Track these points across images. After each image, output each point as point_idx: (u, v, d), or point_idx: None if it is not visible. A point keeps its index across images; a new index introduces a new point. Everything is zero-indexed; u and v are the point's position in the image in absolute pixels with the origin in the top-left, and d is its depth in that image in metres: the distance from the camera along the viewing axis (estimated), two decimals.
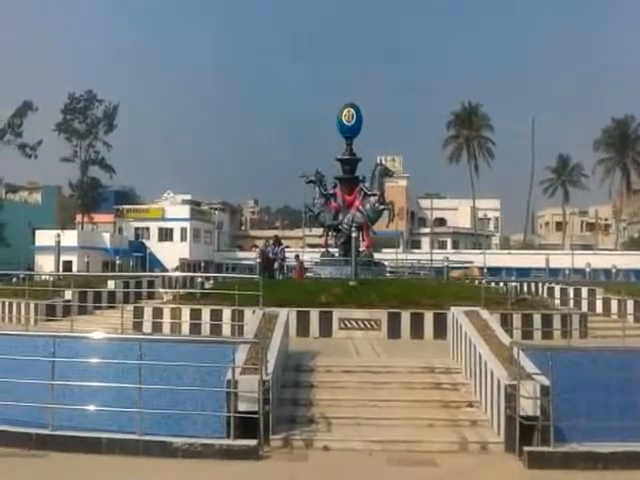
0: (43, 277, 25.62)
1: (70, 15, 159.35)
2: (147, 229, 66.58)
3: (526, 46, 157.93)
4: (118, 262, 38.63)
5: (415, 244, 70.41)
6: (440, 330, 14.12)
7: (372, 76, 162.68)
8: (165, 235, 66.09)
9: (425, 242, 70.36)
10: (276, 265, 25.38)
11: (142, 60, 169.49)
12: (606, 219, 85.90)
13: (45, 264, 42.89)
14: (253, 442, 8.49)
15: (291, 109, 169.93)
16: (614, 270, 29.16)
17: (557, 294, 21.39)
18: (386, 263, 28.07)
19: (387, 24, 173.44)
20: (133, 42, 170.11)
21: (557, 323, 15.38)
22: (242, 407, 8.67)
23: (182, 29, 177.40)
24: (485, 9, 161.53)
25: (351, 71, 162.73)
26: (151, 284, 22.07)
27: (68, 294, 18.54)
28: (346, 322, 15.26)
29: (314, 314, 15.28)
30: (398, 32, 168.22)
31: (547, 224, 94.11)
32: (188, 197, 73.09)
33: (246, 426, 8.63)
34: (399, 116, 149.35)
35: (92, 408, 8.84)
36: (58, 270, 30.95)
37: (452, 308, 12.57)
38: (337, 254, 24.42)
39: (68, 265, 45.09)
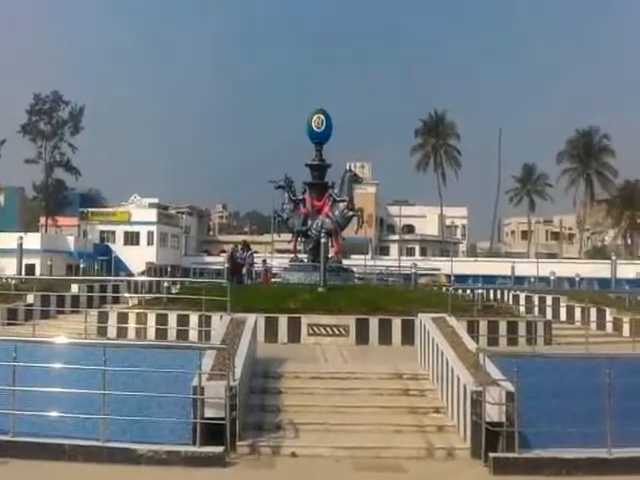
0: (4, 280, 25.01)
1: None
2: (113, 232, 65.66)
3: (495, 58, 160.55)
4: (82, 266, 37.94)
5: (384, 251, 70.88)
6: (408, 336, 14.19)
7: (342, 81, 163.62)
8: (131, 239, 65.25)
9: (394, 249, 70.89)
10: (244, 270, 25.27)
11: (105, 59, 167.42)
12: (570, 228, 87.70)
13: (7, 267, 41.91)
14: (219, 449, 8.40)
15: (260, 113, 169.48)
16: (578, 278, 29.63)
17: (522, 301, 21.69)
18: (355, 269, 28.14)
19: (357, 29, 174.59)
20: (104, 38, 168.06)
21: (522, 330, 15.59)
22: (209, 413, 8.58)
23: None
24: (454, 15, 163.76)
25: (321, 76, 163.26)
26: (116, 288, 21.72)
27: (30, 298, 18.10)
28: (315, 328, 15.23)
29: (282, 320, 15.22)
30: (367, 37, 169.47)
31: (513, 232, 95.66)
32: (155, 201, 72.31)
33: (212, 433, 8.53)
34: (368, 123, 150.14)
35: (55, 414, 8.64)
36: (20, 273, 30.27)
37: (420, 315, 12.65)
38: (306, 260, 24.38)
39: (31, 269, 44.06)
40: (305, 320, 15.28)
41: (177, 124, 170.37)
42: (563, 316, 19.66)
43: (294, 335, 15.14)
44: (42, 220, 64.97)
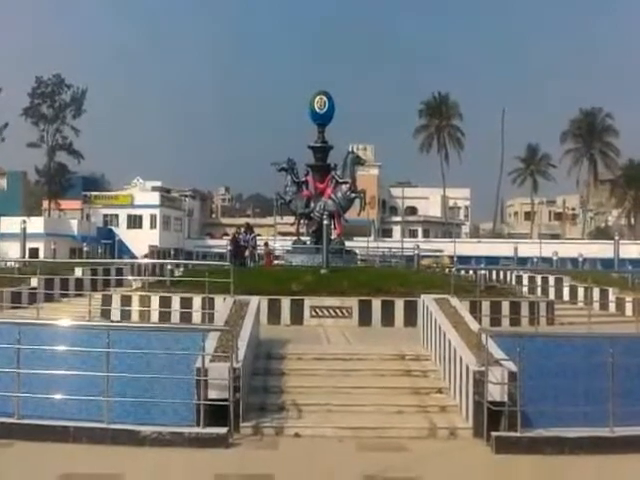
0: (8, 264, 25.08)
1: None
2: (116, 216, 65.60)
3: (500, 40, 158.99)
4: (86, 249, 37.99)
5: (386, 232, 70.74)
6: (410, 317, 14.22)
7: (345, 64, 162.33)
8: (134, 222, 65.21)
9: (396, 230, 70.76)
10: (247, 253, 25.28)
11: (112, 42, 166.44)
12: (573, 209, 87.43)
13: (10, 251, 42.00)
14: (223, 430, 8.45)
15: (263, 96, 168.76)
16: (581, 259, 29.60)
17: (525, 282, 21.71)
18: (357, 251, 28.15)
19: (360, 15, 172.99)
20: (105, 27, 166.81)
21: (525, 310, 15.60)
22: (212, 395, 8.61)
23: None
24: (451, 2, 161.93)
25: (324, 59, 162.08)
26: (120, 271, 21.81)
27: (34, 281, 18.15)
28: (317, 310, 15.27)
29: (285, 302, 15.25)
30: (367, 23, 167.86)
31: (516, 213, 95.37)
32: (158, 184, 72.18)
33: (216, 414, 8.58)
34: (371, 104, 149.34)
35: (59, 396, 8.70)
36: (24, 257, 30.33)
37: (422, 296, 12.65)
38: (309, 242, 24.39)
39: (34, 252, 44.19)
40: (308, 302, 15.30)
41: (180, 107, 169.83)
42: (566, 296, 19.69)
43: (297, 317, 15.18)
44: (45, 204, 64.88)
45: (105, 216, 65.96)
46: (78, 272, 20.12)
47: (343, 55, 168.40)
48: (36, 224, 48.77)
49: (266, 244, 28.54)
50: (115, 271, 21.64)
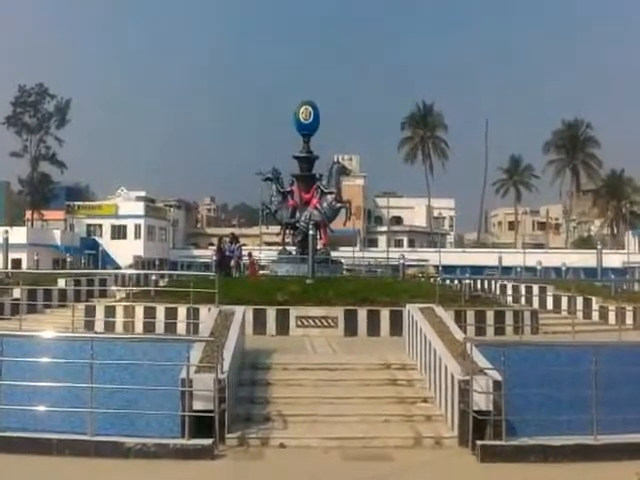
0: None
1: None
2: (100, 226, 65.16)
3: (482, 51, 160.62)
4: (69, 259, 37.72)
5: (372, 242, 70.93)
6: (396, 327, 14.23)
7: (329, 74, 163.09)
8: (118, 232, 64.81)
9: (382, 240, 70.96)
10: (233, 263, 25.20)
11: (95, 52, 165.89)
12: (556, 219, 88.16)
13: None
14: (208, 441, 8.40)
15: (249, 105, 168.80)
16: (564, 268, 29.90)
17: (509, 291, 21.83)
18: (343, 261, 28.16)
19: (344, 23, 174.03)
20: (93, 36, 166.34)
21: (509, 319, 15.68)
22: (197, 406, 8.57)
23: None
24: (436, 9, 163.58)
25: (309, 69, 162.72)
26: (103, 282, 21.61)
27: (17, 292, 17.96)
28: (303, 320, 15.24)
29: (271, 312, 15.21)
30: (354, 31, 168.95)
31: (500, 223, 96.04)
32: (142, 194, 71.85)
33: (201, 425, 8.53)
34: (356, 114, 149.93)
35: (42, 408, 8.60)
36: (6, 268, 30.02)
37: (408, 305, 12.69)
38: (294, 252, 24.37)
39: (17, 263, 43.71)
40: (293, 312, 15.27)
41: (165, 117, 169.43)
42: (550, 305, 19.82)
43: (282, 327, 15.13)
44: (28, 214, 64.34)
45: (89, 226, 65.49)
46: (61, 283, 19.92)
47: (327, 65, 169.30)
48: (19, 234, 48.30)
49: (250, 254, 28.50)
50: (99, 281, 21.46)
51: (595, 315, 18.60)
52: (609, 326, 17.03)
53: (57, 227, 62.37)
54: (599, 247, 32.78)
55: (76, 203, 66.85)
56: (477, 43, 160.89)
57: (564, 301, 19.12)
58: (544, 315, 17.74)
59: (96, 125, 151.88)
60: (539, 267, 28.43)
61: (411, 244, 70.90)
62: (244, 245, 29.49)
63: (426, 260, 49.62)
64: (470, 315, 15.04)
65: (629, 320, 17.60)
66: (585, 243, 70.11)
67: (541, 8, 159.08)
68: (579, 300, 18.57)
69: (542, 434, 8.51)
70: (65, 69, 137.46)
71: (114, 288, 20.66)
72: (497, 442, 8.41)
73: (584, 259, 41.58)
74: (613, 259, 48.19)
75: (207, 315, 12.35)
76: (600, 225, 78.71)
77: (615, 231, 74.32)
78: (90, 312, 16.22)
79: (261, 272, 26.91)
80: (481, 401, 8.63)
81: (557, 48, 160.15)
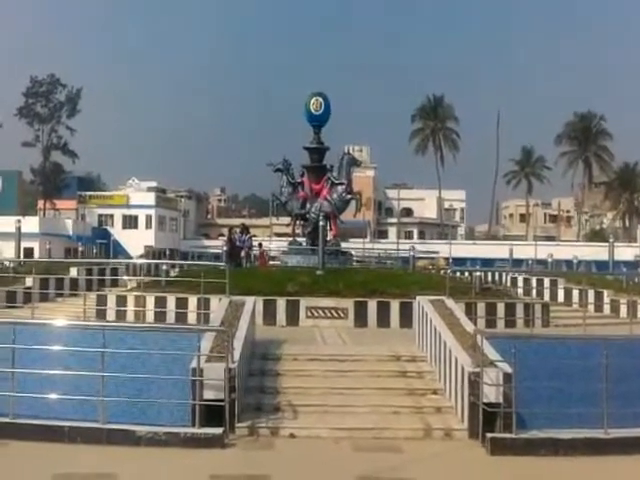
0: (3, 264, 25.00)
1: None
2: (111, 216, 65.46)
3: (495, 42, 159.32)
4: (81, 249, 38.00)
5: (382, 234, 70.76)
6: (406, 319, 14.23)
7: (341, 64, 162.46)
8: (130, 222, 65.10)
9: (392, 232, 70.80)
10: (243, 253, 25.26)
11: (108, 42, 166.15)
12: (568, 211, 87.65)
13: (5, 251, 41.89)
14: (218, 430, 8.44)
15: (260, 96, 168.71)
16: (575, 261, 29.75)
17: (520, 284, 21.75)
18: (353, 252, 28.16)
19: (358, 17, 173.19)
20: (102, 25, 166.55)
21: (520, 312, 15.63)
22: (208, 395, 8.61)
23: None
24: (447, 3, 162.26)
25: (321, 60, 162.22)
26: (115, 271, 21.74)
27: (29, 281, 18.11)
28: (313, 311, 15.26)
29: (281, 302, 15.25)
30: (364, 25, 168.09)
31: (511, 215, 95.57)
32: (153, 184, 72.09)
33: (211, 414, 8.58)
34: (367, 105, 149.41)
35: (54, 396, 8.68)
36: (18, 257, 30.27)
37: (418, 297, 12.68)
38: (304, 243, 24.37)
39: (29, 252, 44.10)
40: (303, 303, 15.30)
41: (176, 107, 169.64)
42: (561, 298, 19.73)
43: (292, 318, 15.17)
44: (40, 204, 64.80)
45: (100, 216, 65.81)
46: (73, 272, 20.07)
47: (339, 56, 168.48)
48: (31, 224, 48.68)
49: (260, 245, 28.55)
50: (110, 271, 21.59)
51: (606, 308, 18.50)
52: (620, 319, 16.91)
53: (69, 217, 62.81)
54: (611, 240, 32.59)
55: (88, 193, 67.19)
56: (486, 36, 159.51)
57: (575, 294, 19.05)
58: (555, 308, 17.67)
59: (107, 116, 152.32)
60: (550, 260, 28.28)
61: (421, 236, 70.69)
62: (254, 236, 29.55)
63: (436, 252, 49.45)
64: (481, 307, 14.99)
65: None
66: (597, 236, 69.66)
67: None
68: (590, 293, 18.50)
69: (552, 427, 8.48)
70: (72, 61, 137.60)
71: (125, 278, 20.80)
72: (507, 435, 8.39)
73: (596, 252, 41.32)
74: (625, 252, 47.80)
75: (217, 305, 12.40)
76: (612, 218, 78.16)
77: (627, 224, 73.75)
78: (102, 301, 16.34)
79: (271, 263, 26.96)
80: (491, 393, 8.61)
81: (571, 39, 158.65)
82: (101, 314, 15.75)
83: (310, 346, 12.07)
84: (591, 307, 18.16)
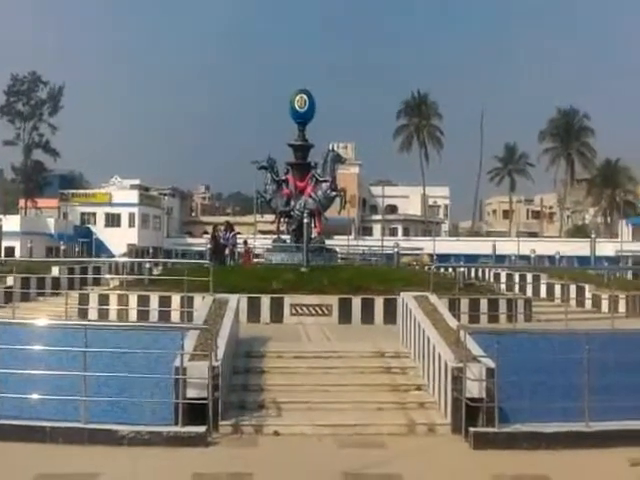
0: None
1: None
2: (93, 214, 65.00)
3: (479, 39, 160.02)
4: (63, 248, 37.57)
5: (367, 231, 70.89)
6: (390, 315, 14.26)
7: (325, 62, 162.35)
8: (112, 220, 64.66)
9: (376, 229, 70.91)
10: (227, 251, 25.18)
11: (89, 37, 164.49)
12: (551, 207, 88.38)
13: None
14: (202, 429, 8.41)
15: (244, 94, 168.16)
16: (558, 257, 29.93)
17: (503, 279, 21.91)
18: (338, 249, 28.14)
19: (342, 14, 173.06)
20: (85, 22, 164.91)
21: (503, 307, 15.75)
22: (191, 394, 8.57)
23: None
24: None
25: (304, 57, 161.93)
26: (97, 270, 21.58)
27: (10, 280, 17.92)
28: (297, 308, 15.25)
29: (265, 300, 15.22)
30: (349, 22, 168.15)
31: (494, 212, 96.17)
32: (136, 182, 71.63)
33: (195, 413, 8.54)
34: (352, 103, 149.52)
35: (35, 396, 8.59)
36: (0, 256, 29.93)
37: (402, 293, 12.70)
38: (289, 240, 24.32)
39: (10, 251, 43.65)
40: (288, 300, 15.28)
41: (160, 105, 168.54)
42: (543, 293, 19.91)
43: (277, 315, 15.15)
44: (22, 202, 64.11)
45: (82, 214, 65.31)
46: (55, 271, 19.88)
47: (323, 53, 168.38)
48: (12, 222, 48.27)
49: (245, 242, 28.48)
50: (92, 270, 21.42)
51: (588, 303, 18.70)
52: (602, 314, 17.12)
53: (51, 215, 62.21)
54: (593, 236, 32.85)
55: (70, 191, 66.62)
56: (472, 34, 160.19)
57: (557, 289, 19.21)
58: (537, 303, 17.83)
59: (89, 113, 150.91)
60: (533, 255, 28.48)
61: (406, 233, 70.87)
62: (239, 233, 29.45)
63: (420, 248, 49.77)
64: (464, 303, 15.09)
65: (622, 308, 17.73)
66: (579, 232, 70.30)
67: None
68: (572, 288, 18.67)
69: (535, 421, 8.54)
70: (54, 58, 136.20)
71: (108, 276, 20.66)
72: (489, 429, 8.45)
73: (578, 248, 41.67)
74: (607, 248, 48.35)
75: (201, 303, 12.34)
76: (594, 214, 78.90)
77: (609, 220, 74.51)
78: (84, 300, 16.20)
79: (255, 260, 26.89)
80: (474, 388, 8.66)
81: (554, 37, 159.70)
82: (83, 313, 15.61)
83: (294, 343, 12.06)
84: (573, 302, 18.35)
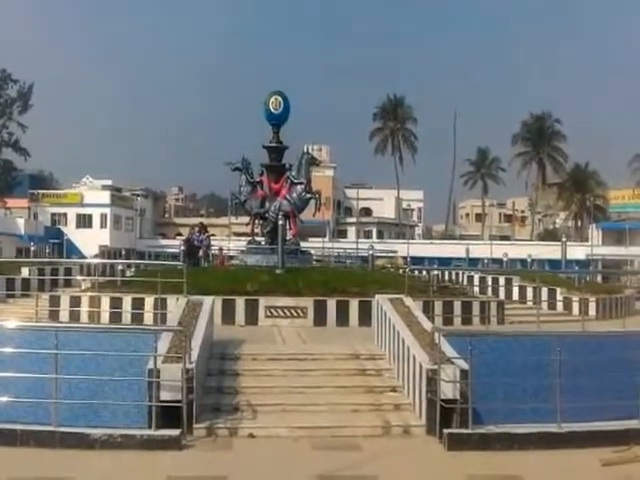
0: None
1: None
2: (64, 215, 63.99)
3: (453, 44, 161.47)
4: (33, 249, 36.94)
5: (341, 233, 71.07)
6: (365, 317, 14.30)
7: (301, 64, 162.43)
8: (84, 221, 63.76)
9: (351, 231, 71.20)
10: (201, 253, 25.02)
11: (60, 35, 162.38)
12: (522, 211, 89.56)
13: None
14: (176, 432, 8.34)
15: (218, 94, 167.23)
16: (530, 260, 30.35)
17: (476, 282, 22.07)
18: (313, 252, 28.13)
19: (316, 15, 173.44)
20: (55, 19, 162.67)
21: (476, 310, 15.88)
22: (164, 396, 8.49)
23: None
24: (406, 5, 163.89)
25: (279, 58, 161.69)
26: (68, 271, 21.23)
27: None
28: (272, 310, 15.20)
29: (240, 302, 15.14)
30: (326, 21, 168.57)
31: (467, 215, 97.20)
32: (108, 182, 70.77)
33: (169, 416, 8.46)
34: (327, 105, 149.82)
35: (5, 399, 8.44)
36: None
37: (377, 296, 12.75)
38: (264, 242, 24.25)
39: None
40: (263, 302, 15.22)
41: (132, 105, 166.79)
42: (515, 296, 20.12)
43: (252, 317, 15.08)
44: None
45: (53, 215, 64.27)
46: (25, 272, 19.54)
47: (298, 56, 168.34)
48: None
49: (220, 249, 28.43)
50: (63, 271, 21.08)
51: (559, 306, 18.98)
52: (573, 316, 17.38)
53: (20, 216, 61.06)
54: (564, 239, 33.42)
55: (40, 191, 65.48)
56: (447, 37, 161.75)
57: (529, 292, 19.46)
58: (510, 305, 18.02)
59: (60, 112, 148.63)
60: (505, 259, 28.80)
61: (380, 235, 71.24)
62: (213, 235, 29.28)
63: (395, 251, 49.91)
64: (438, 305, 15.19)
65: (592, 311, 18.05)
66: (550, 235, 71.44)
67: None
68: (544, 291, 18.92)
69: (508, 422, 8.64)
70: (24, 56, 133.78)
71: (79, 278, 20.33)
72: (463, 430, 8.52)
73: (549, 251, 42.34)
74: (577, 251, 49.20)
75: (175, 305, 12.24)
76: (565, 218, 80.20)
77: (579, 224, 75.78)
78: (55, 302, 15.95)
79: (230, 262, 26.76)
80: (448, 390, 8.72)
81: (525, 43, 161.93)
82: (54, 315, 15.36)
83: (269, 345, 12.03)
84: (545, 305, 18.59)
